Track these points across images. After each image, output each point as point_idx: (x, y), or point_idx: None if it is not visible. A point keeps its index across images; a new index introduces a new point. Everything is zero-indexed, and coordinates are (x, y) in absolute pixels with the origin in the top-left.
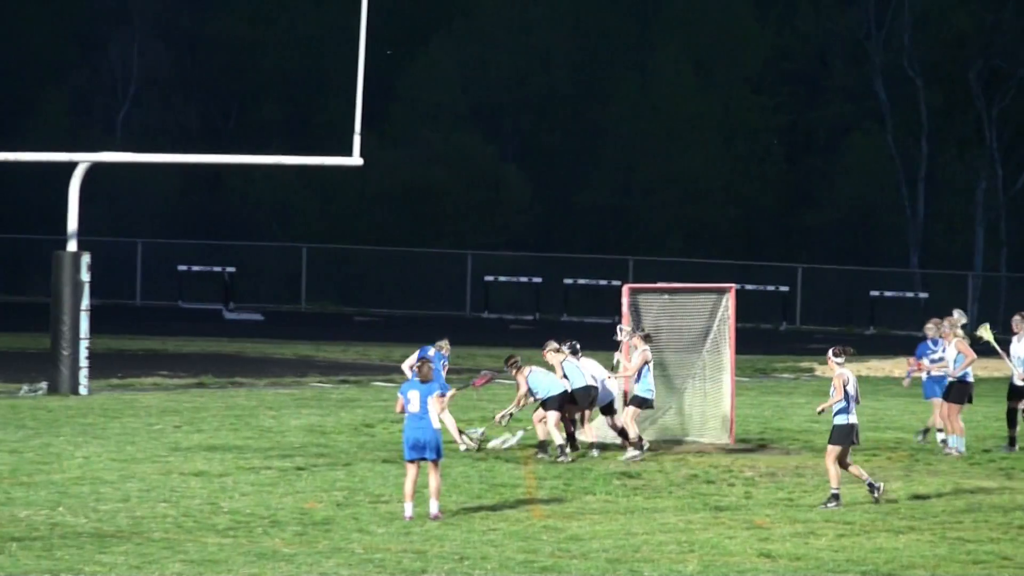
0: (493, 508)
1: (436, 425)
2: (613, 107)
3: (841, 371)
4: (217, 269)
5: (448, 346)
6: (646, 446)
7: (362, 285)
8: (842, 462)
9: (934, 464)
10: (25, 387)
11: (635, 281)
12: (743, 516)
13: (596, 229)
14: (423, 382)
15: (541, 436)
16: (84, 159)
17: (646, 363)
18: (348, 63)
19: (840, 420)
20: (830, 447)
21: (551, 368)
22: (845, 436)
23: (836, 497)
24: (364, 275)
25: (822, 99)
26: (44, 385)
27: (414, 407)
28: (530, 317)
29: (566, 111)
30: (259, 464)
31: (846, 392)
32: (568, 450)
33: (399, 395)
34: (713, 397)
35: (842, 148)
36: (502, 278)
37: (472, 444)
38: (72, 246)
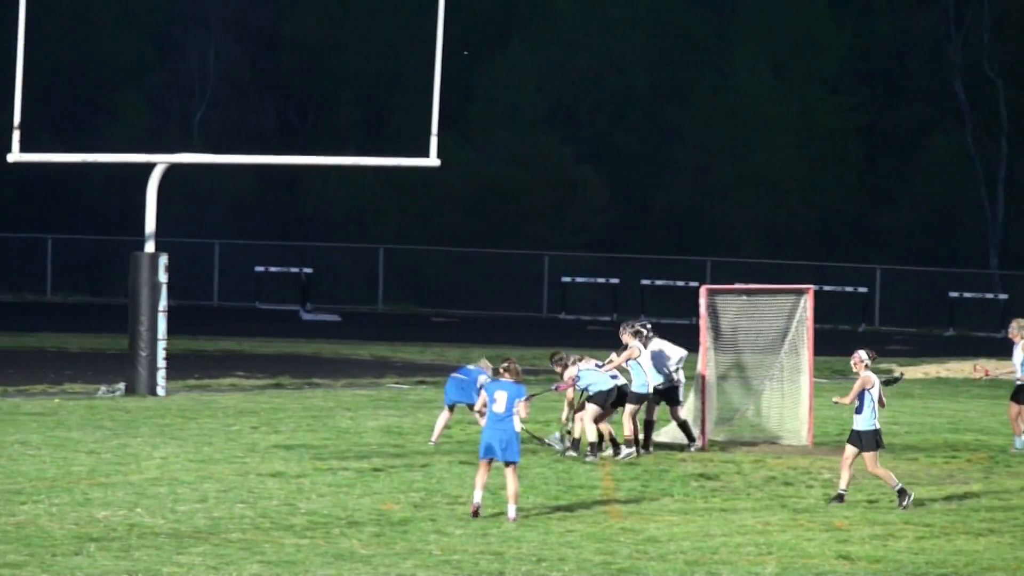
0: (570, 509)
1: (518, 428)
2: (689, 107)
3: (866, 374)
4: (294, 270)
5: (489, 364)
6: (635, 451)
7: (439, 286)
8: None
9: (1014, 466)
10: (103, 388)
11: (712, 282)
12: (821, 518)
13: (673, 230)
14: (511, 383)
15: (591, 436)
16: (162, 160)
17: (632, 359)
18: (425, 64)
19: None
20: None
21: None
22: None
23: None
24: (441, 276)
25: (900, 100)
26: (122, 386)
27: (499, 407)
28: (607, 318)
29: (643, 112)
30: (336, 465)
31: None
32: (599, 450)
33: (483, 392)
34: (791, 399)
35: (921, 149)
36: (579, 279)
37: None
38: (150, 247)
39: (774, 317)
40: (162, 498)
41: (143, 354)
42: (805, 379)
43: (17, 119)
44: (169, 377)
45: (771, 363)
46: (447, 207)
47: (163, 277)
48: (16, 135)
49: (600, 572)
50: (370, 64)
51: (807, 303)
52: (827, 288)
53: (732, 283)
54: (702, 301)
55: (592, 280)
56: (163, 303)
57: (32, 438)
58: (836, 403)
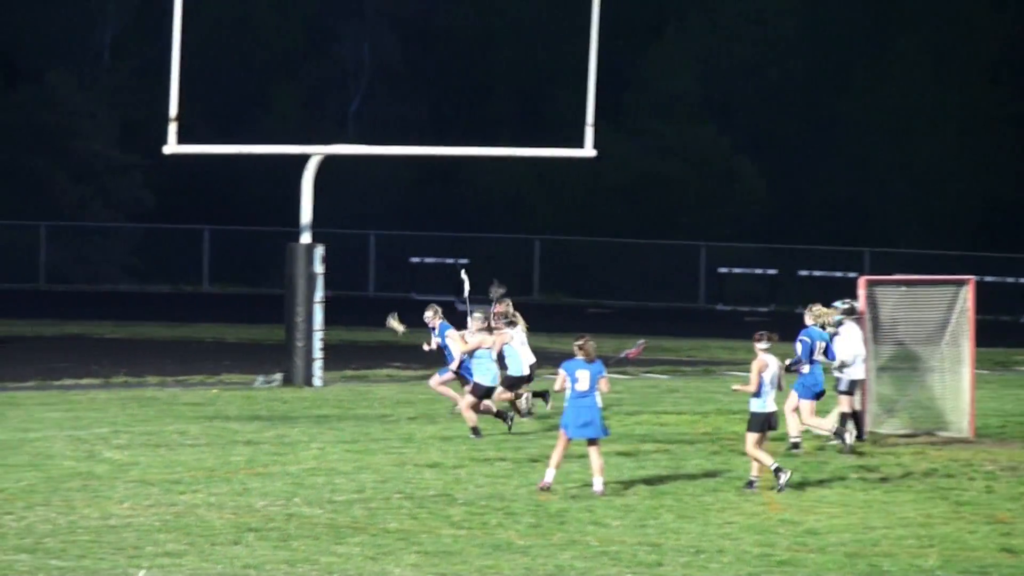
0: (729, 501)
1: (600, 404)
2: (848, 97)
3: (763, 357)
4: (449, 261)
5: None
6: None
7: (594, 277)
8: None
9: None
10: (260, 379)
11: (871, 273)
12: (984, 511)
13: (831, 220)
14: (589, 362)
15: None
16: (317, 152)
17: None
18: (580, 53)
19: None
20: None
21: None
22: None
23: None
24: (596, 267)
25: None
26: (279, 377)
27: (583, 385)
28: (765, 309)
29: (800, 101)
30: (493, 455)
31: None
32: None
33: (561, 371)
34: (952, 390)
35: None
36: (736, 270)
37: None
38: (306, 238)
39: (934, 308)
40: (320, 488)
41: (299, 345)
42: (966, 370)
43: (173, 111)
44: (326, 368)
45: (931, 354)
46: (603, 198)
47: (319, 268)
48: (173, 127)
49: (759, 564)
50: (524, 54)
51: (968, 294)
52: (988, 279)
53: (891, 274)
54: (861, 292)
55: (749, 271)
56: (319, 294)
57: (191, 428)
58: (736, 391)
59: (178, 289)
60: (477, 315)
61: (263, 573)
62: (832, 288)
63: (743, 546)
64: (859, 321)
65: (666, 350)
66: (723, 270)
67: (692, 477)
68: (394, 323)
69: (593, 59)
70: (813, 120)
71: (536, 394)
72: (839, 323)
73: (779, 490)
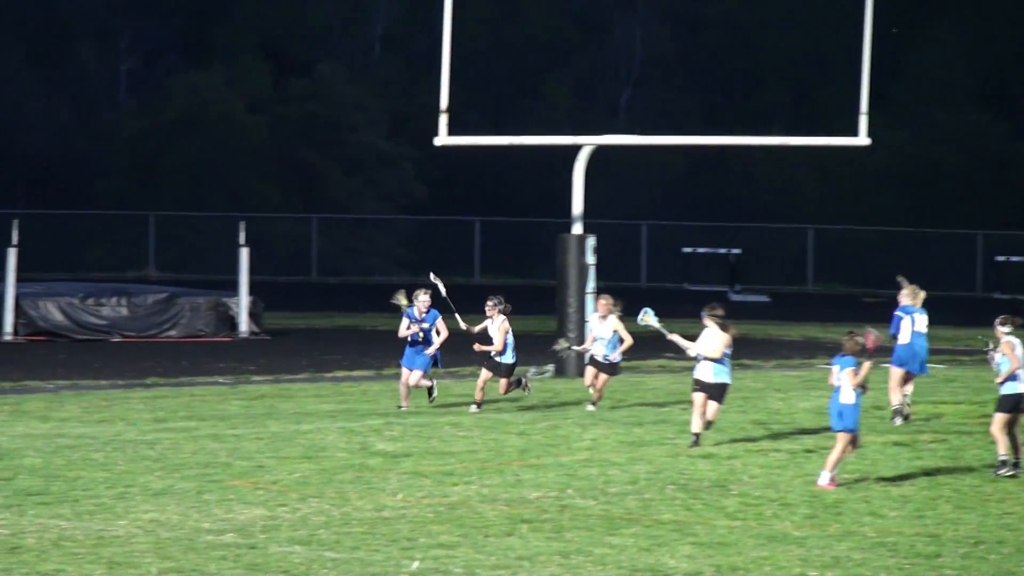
0: (1008, 491)
1: (848, 400)
2: None
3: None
4: (722, 251)
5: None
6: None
7: (869, 266)
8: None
9: None
10: (532, 370)
11: None
12: None
13: None
14: (844, 355)
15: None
16: (588, 142)
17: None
18: (852, 42)
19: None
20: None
21: None
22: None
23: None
24: (871, 256)
25: None
26: (551, 368)
27: (834, 379)
28: None
29: None
30: (767, 447)
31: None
32: None
33: (832, 365)
34: None
35: None
36: (1014, 258)
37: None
38: (577, 229)
39: None
40: (593, 479)
41: (571, 336)
42: None
43: (444, 103)
44: None
45: None
46: (876, 186)
47: (591, 259)
48: (443, 119)
49: None
50: (796, 42)
51: None
52: None
53: None
54: None
55: None
56: (591, 285)
57: (463, 420)
58: (998, 383)
59: (449, 281)
60: (490, 302)
61: (536, 565)
62: None
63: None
64: None
65: (942, 339)
66: (1000, 258)
67: (970, 467)
68: (400, 299)
69: (867, 46)
70: None
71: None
72: None
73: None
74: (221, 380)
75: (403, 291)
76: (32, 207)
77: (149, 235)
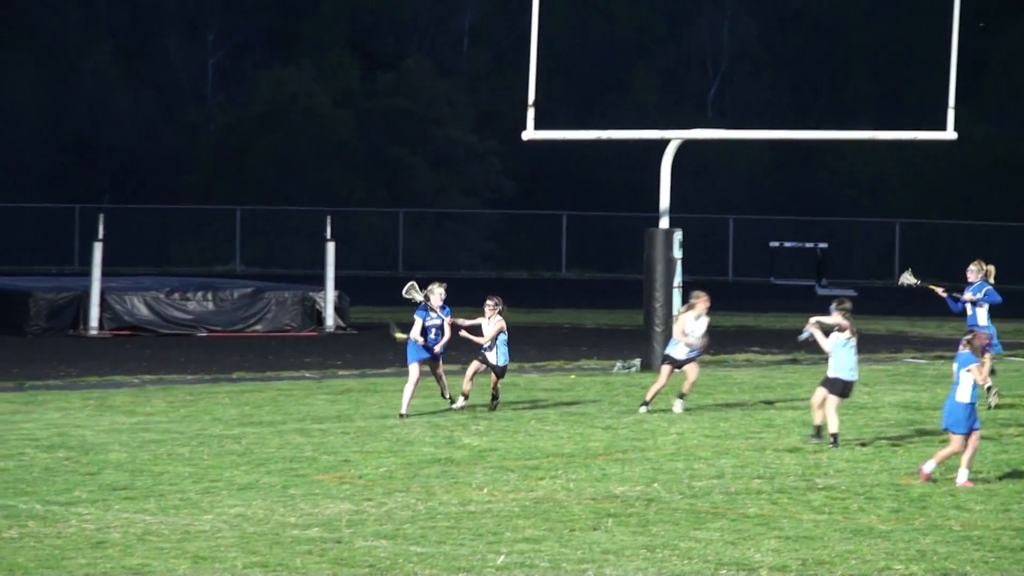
0: None
1: (963, 399)
2: None
3: None
4: (809, 245)
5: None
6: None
7: (955, 260)
8: None
9: None
10: (618, 364)
11: None
12: None
13: None
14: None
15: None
16: (675, 136)
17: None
18: (940, 36)
19: None
20: None
21: None
22: None
23: None
24: (957, 250)
25: None
26: (637, 362)
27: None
28: None
29: None
30: (854, 440)
31: None
32: None
33: (955, 364)
34: None
35: None
36: None
37: None
38: (664, 223)
39: None
40: (679, 473)
41: (658, 330)
42: None
43: (531, 97)
44: None
45: None
46: (964, 181)
47: (678, 253)
48: (530, 113)
49: None
50: (883, 36)
51: None
52: None
53: None
54: None
55: None
56: (678, 279)
57: (549, 414)
58: None
59: (536, 275)
60: (490, 302)
61: (622, 559)
62: None
63: None
64: None
65: None
66: None
67: None
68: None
69: (955, 40)
70: None
71: None
72: None
73: None
74: (307, 375)
75: (415, 284)
76: (118, 201)
77: (235, 229)
